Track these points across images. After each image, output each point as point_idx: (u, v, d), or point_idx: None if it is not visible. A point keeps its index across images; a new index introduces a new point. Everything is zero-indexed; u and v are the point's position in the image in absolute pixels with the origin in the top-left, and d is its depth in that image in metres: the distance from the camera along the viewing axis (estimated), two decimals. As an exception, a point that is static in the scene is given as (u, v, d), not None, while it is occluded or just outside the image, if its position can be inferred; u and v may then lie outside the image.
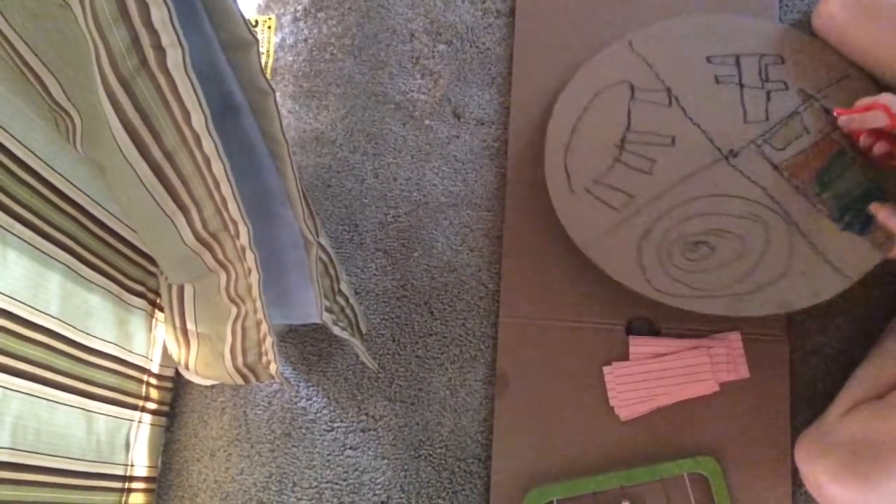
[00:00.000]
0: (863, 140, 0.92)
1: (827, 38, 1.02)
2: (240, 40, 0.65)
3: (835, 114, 0.95)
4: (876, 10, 0.95)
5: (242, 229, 0.70)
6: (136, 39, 0.56)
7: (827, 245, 0.94)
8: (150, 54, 0.57)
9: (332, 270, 0.92)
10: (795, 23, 1.08)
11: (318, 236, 0.81)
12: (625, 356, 1.00)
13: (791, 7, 1.10)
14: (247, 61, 0.66)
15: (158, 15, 0.55)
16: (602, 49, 1.07)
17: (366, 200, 1.11)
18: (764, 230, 0.96)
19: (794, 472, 0.94)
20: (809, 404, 0.97)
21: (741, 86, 1.02)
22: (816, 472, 0.83)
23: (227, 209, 0.69)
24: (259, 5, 1.20)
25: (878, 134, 0.90)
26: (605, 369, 0.99)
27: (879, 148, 0.90)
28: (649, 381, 0.98)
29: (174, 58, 0.57)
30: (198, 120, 0.61)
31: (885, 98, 0.87)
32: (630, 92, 1.04)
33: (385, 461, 1.02)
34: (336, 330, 0.90)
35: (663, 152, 1.01)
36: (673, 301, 0.96)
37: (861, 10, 0.96)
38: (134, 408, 1.00)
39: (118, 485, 0.97)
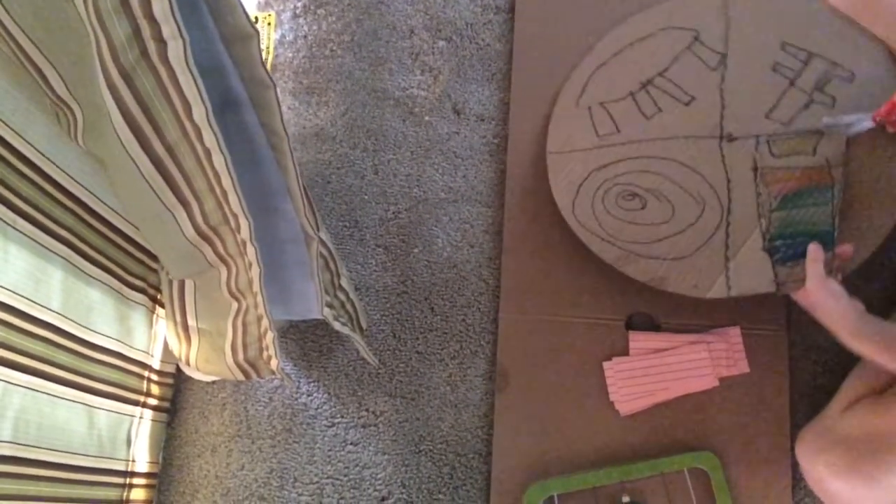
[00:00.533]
0: None
1: None
2: (241, 33, 0.65)
3: (875, 118, 0.90)
4: (873, 3, 0.95)
5: (243, 223, 0.70)
6: (137, 31, 0.57)
7: (739, 255, 0.94)
8: (152, 46, 0.57)
9: (332, 265, 0.92)
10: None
11: (318, 231, 0.82)
12: (625, 351, 1.00)
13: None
14: (248, 54, 0.66)
15: (159, 6, 0.55)
16: None
17: (366, 197, 1.11)
18: (698, 213, 0.97)
19: (794, 466, 0.94)
20: (809, 399, 0.97)
21: (792, 83, 0.99)
22: (817, 468, 0.83)
23: (227, 203, 0.69)
24: (259, 2, 1.20)
25: None
26: (605, 364, 0.99)
27: None
28: (649, 376, 0.98)
29: (175, 50, 0.57)
30: (199, 112, 0.61)
31: None
32: (691, 41, 1.04)
33: (386, 457, 1.02)
34: (337, 325, 0.90)
35: (674, 107, 1.02)
36: (578, 230, 0.98)
37: (860, 2, 0.97)
38: (135, 403, 1.00)
39: (119, 480, 0.97)
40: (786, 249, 0.92)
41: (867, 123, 0.91)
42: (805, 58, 1.00)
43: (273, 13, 1.19)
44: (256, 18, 1.19)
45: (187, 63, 0.58)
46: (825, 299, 0.84)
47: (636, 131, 1.02)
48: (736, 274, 0.93)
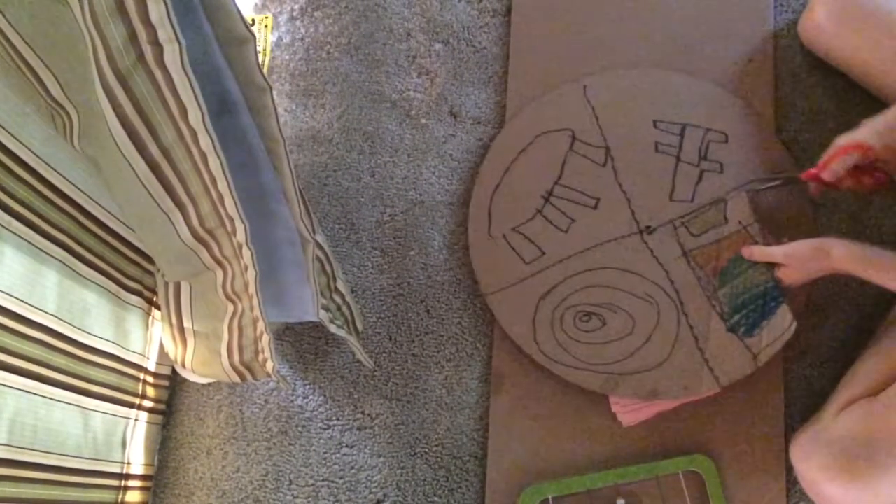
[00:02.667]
0: (847, 184, 0.90)
1: (813, 46, 1.03)
2: (237, 36, 0.65)
3: (802, 177, 0.92)
4: (861, 18, 0.96)
5: (239, 226, 0.71)
6: (133, 35, 0.57)
7: (710, 345, 0.96)
8: (148, 50, 0.57)
9: (328, 268, 0.92)
10: (790, 23, 1.09)
11: (314, 234, 0.82)
12: (620, 354, 1.00)
13: (786, 6, 1.10)
14: (244, 57, 0.66)
15: (156, 10, 0.55)
16: (558, 87, 1.08)
17: (362, 199, 1.11)
18: (656, 315, 0.98)
19: (789, 469, 0.94)
20: (803, 403, 0.97)
21: (678, 159, 1.02)
22: (812, 471, 0.83)
23: (223, 206, 0.70)
24: (256, 4, 1.21)
25: (858, 171, 0.89)
26: (605, 376, 1.00)
27: (878, 178, 0.89)
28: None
29: (171, 54, 0.57)
30: (194, 116, 0.61)
31: (842, 141, 0.87)
32: (570, 141, 1.05)
33: (381, 459, 1.02)
34: (332, 328, 0.90)
35: (584, 213, 1.02)
36: (553, 367, 0.98)
37: (846, 19, 0.97)
38: (130, 406, 1.00)
39: (115, 482, 0.97)
40: (745, 321, 0.95)
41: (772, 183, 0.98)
42: (679, 130, 1.04)
43: (270, 15, 1.19)
44: (253, 21, 1.19)
45: (183, 67, 0.58)
46: (807, 264, 0.89)
47: (560, 248, 1.02)
48: (716, 363, 0.95)
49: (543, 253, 1.02)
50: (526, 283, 1.01)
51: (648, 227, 1.00)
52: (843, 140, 0.87)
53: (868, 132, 0.86)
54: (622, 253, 1.00)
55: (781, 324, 0.94)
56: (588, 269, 1.01)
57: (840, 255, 0.83)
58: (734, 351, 0.95)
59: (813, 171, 0.90)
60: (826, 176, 0.89)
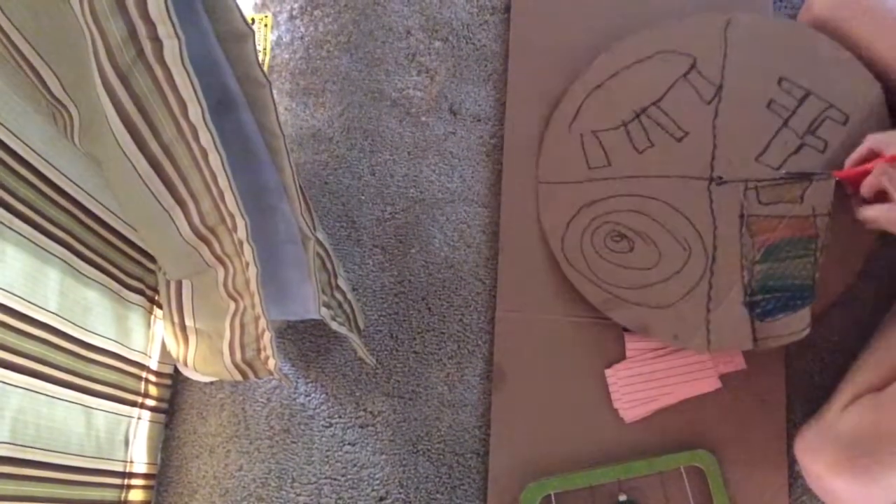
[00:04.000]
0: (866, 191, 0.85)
1: None
2: (236, 32, 0.65)
3: (835, 176, 0.89)
4: (859, 11, 0.96)
5: (240, 223, 0.71)
6: (133, 31, 0.57)
7: (720, 309, 0.94)
8: (147, 46, 0.58)
9: (329, 265, 0.92)
10: (790, 17, 1.09)
11: (315, 231, 0.82)
12: (621, 350, 1.00)
13: (785, 1, 1.10)
14: (243, 53, 0.67)
15: (155, 6, 0.55)
16: (697, 14, 1.05)
17: (363, 197, 1.11)
18: (683, 261, 0.97)
19: (791, 464, 0.94)
20: (806, 397, 0.97)
21: (785, 123, 0.98)
22: (816, 466, 0.83)
23: (224, 202, 0.70)
24: (256, 3, 1.21)
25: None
26: (607, 372, 0.99)
27: None
28: (652, 381, 0.98)
29: (171, 49, 0.58)
30: (194, 112, 0.61)
31: (871, 142, 0.84)
32: (688, 68, 1.03)
33: (383, 457, 1.02)
34: (334, 325, 0.90)
35: (666, 142, 1.01)
36: (567, 270, 1.00)
37: (844, 11, 0.97)
38: (133, 404, 1.00)
39: (117, 481, 0.97)
40: (765, 304, 0.92)
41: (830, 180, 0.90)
42: (801, 96, 0.98)
43: (270, 14, 1.20)
44: (253, 20, 1.19)
45: (183, 62, 0.58)
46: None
47: (627, 166, 1.02)
48: (716, 328, 0.94)
49: (609, 164, 1.02)
50: (580, 185, 1.02)
51: (720, 177, 0.97)
52: (877, 142, 0.82)
53: None
54: (682, 193, 0.99)
55: (797, 324, 0.91)
56: (641, 196, 1.00)
57: None
58: (739, 325, 0.93)
59: (845, 172, 0.86)
60: (864, 191, 0.84)
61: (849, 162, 0.87)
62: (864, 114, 0.95)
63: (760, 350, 0.92)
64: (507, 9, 1.16)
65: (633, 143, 1.02)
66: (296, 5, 1.20)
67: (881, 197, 0.83)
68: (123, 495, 0.98)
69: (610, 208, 1.01)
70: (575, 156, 1.04)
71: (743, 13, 1.03)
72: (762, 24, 1.03)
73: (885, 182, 0.80)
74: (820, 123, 0.96)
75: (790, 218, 0.93)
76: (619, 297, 0.98)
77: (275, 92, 1.17)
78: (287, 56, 1.18)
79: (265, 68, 1.18)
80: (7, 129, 0.76)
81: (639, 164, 1.01)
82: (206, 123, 0.62)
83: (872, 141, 0.84)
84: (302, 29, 1.19)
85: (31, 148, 0.79)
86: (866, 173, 0.83)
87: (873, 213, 0.83)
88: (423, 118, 1.13)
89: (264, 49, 1.18)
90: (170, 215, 0.75)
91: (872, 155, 0.84)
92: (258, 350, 0.87)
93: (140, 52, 0.58)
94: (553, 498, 0.95)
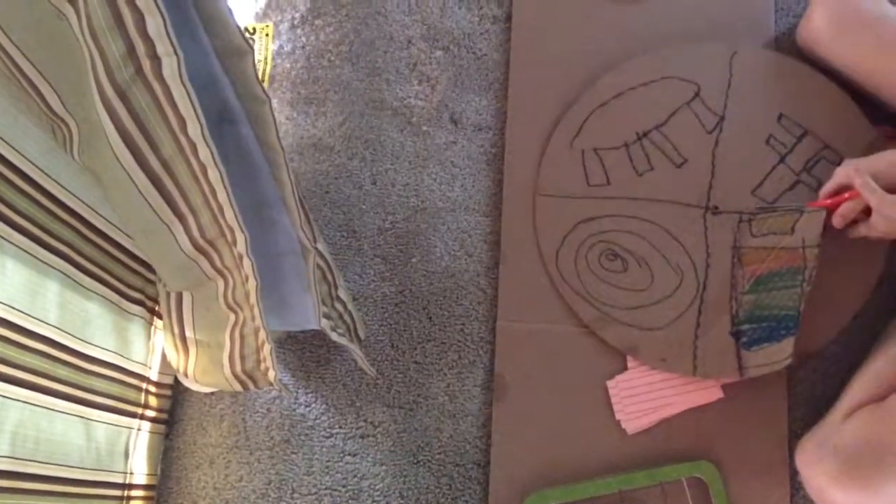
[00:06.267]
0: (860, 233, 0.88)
1: (812, 52, 1.03)
2: (235, 49, 0.65)
3: (808, 207, 0.91)
4: (859, 25, 0.96)
5: (239, 237, 0.71)
6: (131, 48, 0.57)
7: (707, 337, 0.96)
8: (146, 63, 0.58)
9: (329, 276, 0.92)
10: (790, 28, 1.08)
11: (315, 242, 0.82)
12: (622, 361, 1.00)
13: (786, 10, 1.10)
14: (242, 69, 0.67)
15: (154, 24, 0.55)
16: (705, 40, 1.07)
17: (364, 206, 1.11)
18: (675, 286, 0.98)
19: (793, 475, 0.94)
20: (807, 408, 0.96)
21: (782, 160, 1.00)
22: (818, 476, 0.83)
23: (223, 217, 0.70)
24: (257, 13, 1.21)
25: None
26: (609, 384, 0.99)
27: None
28: (654, 392, 0.98)
29: (170, 66, 0.58)
30: (193, 128, 0.61)
31: (841, 177, 0.87)
32: (692, 96, 1.04)
33: (384, 467, 1.02)
34: (334, 336, 0.90)
35: (665, 167, 1.02)
36: (560, 285, 1.00)
37: (844, 25, 0.97)
38: (133, 416, 1.00)
39: (117, 493, 0.97)
40: (751, 334, 0.94)
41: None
42: (800, 134, 1.01)
43: (271, 24, 1.20)
44: (254, 29, 1.19)
45: (182, 79, 0.58)
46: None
47: (626, 187, 1.03)
48: (702, 355, 0.95)
49: (609, 183, 1.03)
50: (578, 201, 1.03)
51: (716, 207, 0.99)
52: (847, 175, 0.85)
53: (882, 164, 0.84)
54: (678, 219, 1.00)
55: (779, 354, 0.91)
56: (638, 218, 1.01)
57: None
58: (725, 354, 0.94)
59: (820, 203, 0.89)
60: (836, 223, 0.88)
61: (823, 193, 0.90)
62: (858, 157, 0.95)
63: (745, 378, 0.93)
64: (508, 18, 1.16)
65: (634, 165, 1.03)
66: (297, 15, 1.20)
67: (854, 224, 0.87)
68: (124, 507, 0.98)
69: (606, 227, 1.02)
70: (575, 171, 1.04)
71: (749, 48, 1.05)
72: (767, 59, 1.05)
73: (862, 190, 0.84)
74: (815, 163, 0.99)
75: (780, 249, 0.94)
76: (610, 316, 0.99)
77: (276, 101, 1.17)
78: (288, 65, 1.18)
79: (266, 78, 1.18)
80: (6, 142, 0.76)
81: (638, 186, 1.03)
82: (205, 139, 0.62)
83: (842, 175, 0.87)
84: (303, 38, 1.19)
85: (30, 161, 0.79)
86: (840, 203, 0.87)
87: (863, 230, 0.87)
88: (425, 127, 1.13)
89: (265, 59, 1.18)
90: (169, 229, 0.75)
91: (845, 188, 0.87)
92: (258, 361, 0.87)
93: (139, 70, 0.58)
94: (554, 509, 0.95)
